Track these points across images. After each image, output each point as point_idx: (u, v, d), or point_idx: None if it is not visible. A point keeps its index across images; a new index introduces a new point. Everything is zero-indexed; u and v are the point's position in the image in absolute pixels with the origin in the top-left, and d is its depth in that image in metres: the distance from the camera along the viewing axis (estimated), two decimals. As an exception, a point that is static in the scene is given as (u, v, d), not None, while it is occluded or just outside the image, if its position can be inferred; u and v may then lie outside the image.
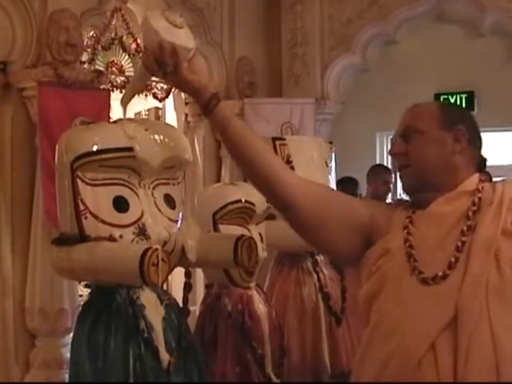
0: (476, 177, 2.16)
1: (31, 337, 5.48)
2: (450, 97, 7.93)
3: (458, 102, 7.89)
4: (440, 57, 7.83)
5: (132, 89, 2.61)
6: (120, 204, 2.50)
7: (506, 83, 7.25)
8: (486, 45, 7.74)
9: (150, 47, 2.15)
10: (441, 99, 7.90)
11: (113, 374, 2.42)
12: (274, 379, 3.17)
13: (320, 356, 3.60)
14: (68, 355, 5.60)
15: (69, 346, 5.60)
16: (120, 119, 2.56)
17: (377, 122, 8.13)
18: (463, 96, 7.91)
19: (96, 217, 2.45)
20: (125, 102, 2.46)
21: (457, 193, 2.13)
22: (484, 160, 2.23)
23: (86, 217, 2.43)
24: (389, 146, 8.51)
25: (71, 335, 5.67)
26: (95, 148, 2.45)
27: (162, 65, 2.13)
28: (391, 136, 8.62)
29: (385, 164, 7.96)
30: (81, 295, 7.16)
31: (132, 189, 2.53)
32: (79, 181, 2.44)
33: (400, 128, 2.21)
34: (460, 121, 2.18)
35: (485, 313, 1.95)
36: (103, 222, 2.45)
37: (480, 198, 2.10)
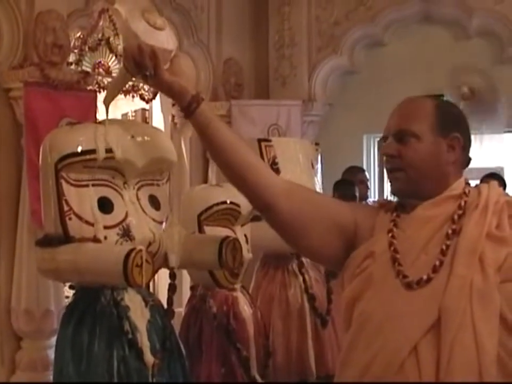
0: (462, 181, 2.16)
1: (17, 338, 5.47)
2: (437, 99, 7.94)
3: (445, 105, 7.91)
4: (427, 59, 7.85)
5: (113, 89, 2.60)
6: (105, 205, 2.50)
7: (494, 85, 7.28)
8: (474, 47, 7.76)
9: (129, 49, 2.11)
10: (429, 101, 7.93)
11: (97, 376, 2.42)
12: (259, 380, 3.17)
13: (306, 357, 3.60)
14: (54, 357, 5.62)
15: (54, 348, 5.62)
16: (104, 120, 2.56)
17: (364, 124, 8.14)
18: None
19: (80, 218, 2.44)
20: (107, 102, 2.45)
21: (444, 197, 2.13)
22: (469, 159, 2.23)
23: (70, 218, 2.43)
24: (376, 148, 8.54)
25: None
26: (79, 149, 2.44)
27: (141, 68, 2.13)
28: (378, 138, 8.67)
29: (372, 165, 8.00)
30: (67, 297, 7.16)
31: (116, 190, 2.53)
32: (63, 182, 2.43)
33: (393, 126, 2.17)
34: (456, 127, 2.16)
35: (469, 316, 1.95)
36: (87, 223, 2.44)
37: (465, 202, 2.10)
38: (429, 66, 7.81)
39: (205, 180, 7.35)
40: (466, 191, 2.13)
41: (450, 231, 2.05)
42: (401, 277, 2.03)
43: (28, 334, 5.54)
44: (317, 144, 4.69)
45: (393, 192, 2.21)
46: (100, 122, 2.61)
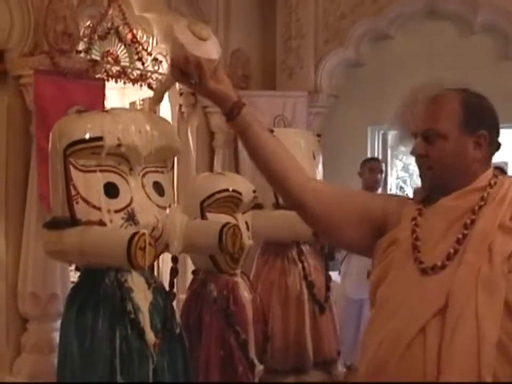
0: (489, 173, 2.24)
1: (23, 321, 5.53)
2: (442, 94, 7.98)
3: (449, 99, 7.95)
4: (432, 53, 7.89)
5: (159, 93, 2.73)
6: (111, 190, 2.59)
7: (498, 80, 7.32)
8: (478, 43, 7.80)
9: (176, 59, 2.28)
10: (433, 95, 7.96)
11: (100, 354, 2.51)
12: (257, 364, 3.25)
13: (303, 343, 3.66)
14: (60, 339, 5.71)
15: (60, 330, 5.71)
16: (112, 109, 2.65)
17: (369, 116, 8.20)
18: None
19: (87, 202, 2.53)
20: (154, 105, 2.57)
21: (468, 190, 2.22)
22: (499, 145, 2.30)
23: (77, 202, 2.52)
24: (380, 140, 8.62)
25: (63, 319, 5.78)
26: (87, 136, 2.53)
27: (187, 77, 2.27)
28: (382, 130, 8.73)
29: (375, 156, 8.06)
30: (73, 282, 7.25)
31: (122, 176, 2.62)
32: (71, 167, 2.52)
33: (421, 125, 2.27)
34: (482, 124, 2.23)
35: (473, 301, 2.03)
36: (94, 207, 2.53)
37: (488, 194, 2.18)
38: (433, 60, 7.86)
39: (211, 169, 7.42)
40: (492, 182, 2.21)
41: (468, 221, 2.14)
42: (418, 263, 2.15)
43: (34, 317, 5.60)
44: (318, 135, 4.77)
45: (424, 189, 2.30)
46: (107, 111, 2.70)
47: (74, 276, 7.96)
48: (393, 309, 2.15)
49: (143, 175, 2.69)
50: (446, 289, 2.08)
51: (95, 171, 2.56)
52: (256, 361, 3.24)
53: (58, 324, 5.70)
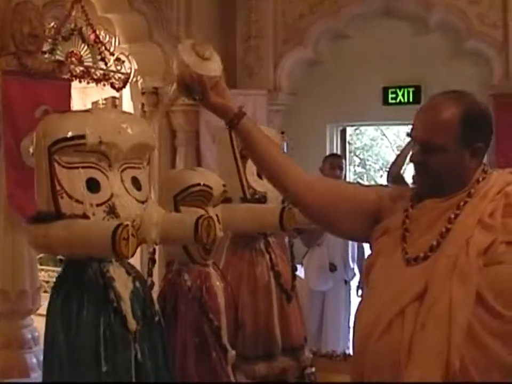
0: (478, 171, 2.37)
1: (-8, 318, 5.64)
2: (398, 91, 8.19)
3: (405, 96, 8.16)
4: (389, 52, 8.09)
5: (168, 105, 2.94)
6: (93, 186, 2.73)
7: (451, 77, 7.53)
8: (433, 41, 8.01)
9: (182, 77, 2.52)
10: (389, 92, 8.17)
11: (86, 341, 2.64)
12: (229, 350, 3.39)
13: (272, 329, 3.76)
14: (29, 335, 5.79)
15: (30, 328, 5.78)
16: (92, 108, 2.78)
17: (327, 114, 8.38)
18: (410, 90, 8.18)
19: (71, 197, 2.67)
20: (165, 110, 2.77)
21: (459, 194, 2.35)
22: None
23: (62, 197, 2.65)
24: (339, 137, 8.79)
25: (32, 316, 5.85)
26: (69, 134, 2.67)
27: (192, 92, 2.53)
28: (340, 127, 8.91)
29: (336, 152, 8.24)
30: (44, 280, 7.31)
31: (103, 172, 2.76)
32: (56, 164, 2.65)
33: (419, 134, 2.38)
34: (480, 137, 2.35)
35: (447, 291, 2.20)
36: (77, 201, 2.67)
37: (475, 189, 2.32)
38: (390, 59, 8.06)
39: (173, 166, 7.55)
40: (481, 178, 2.35)
41: (453, 216, 2.30)
42: (404, 253, 2.34)
43: (3, 314, 5.69)
44: (282, 132, 4.95)
45: (418, 191, 2.46)
46: (89, 111, 2.85)
47: (43, 275, 8.01)
48: (379, 293, 2.36)
49: (122, 171, 2.83)
50: (426, 278, 2.25)
51: (77, 167, 2.70)
52: (228, 347, 3.39)
53: (27, 320, 5.82)
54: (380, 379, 2.28)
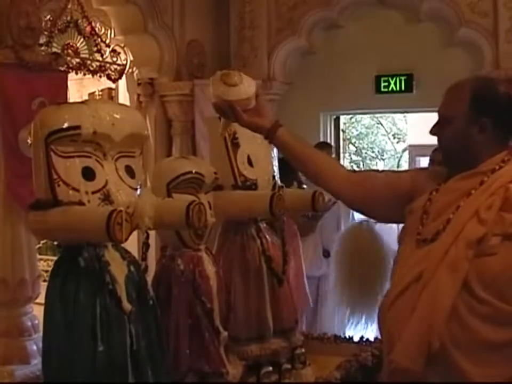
0: (498, 157, 2.46)
1: (-8, 306, 5.75)
2: (390, 79, 8.27)
3: (398, 84, 8.24)
4: (381, 41, 8.18)
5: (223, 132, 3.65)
6: (88, 174, 2.85)
7: (443, 66, 7.62)
8: (424, 30, 8.09)
9: (217, 106, 3.05)
10: (382, 81, 8.26)
11: (84, 322, 2.76)
12: (222, 331, 3.50)
13: (263, 312, 3.85)
14: (29, 323, 5.91)
15: (30, 315, 5.89)
16: (87, 100, 2.91)
17: (321, 103, 8.48)
18: (402, 78, 8.26)
19: (67, 185, 2.79)
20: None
21: (471, 173, 2.48)
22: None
23: (58, 185, 2.77)
24: (332, 126, 8.90)
25: (31, 304, 5.96)
26: (65, 125, 2.79)
27: (227, 116, 3.00)
28: (334, 116, 9.01)
29: (325, 141, 8.33)
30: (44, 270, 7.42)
31: (97, 161, 2.89)
32: (52, 154, 2.77)
33: (439, 110, 2.59)
34: (486, 112, 2.45)
35: (436, 277, 2.35)
36: (74, 189, 2.80)
37: (488, 179, 2.42)
38: (382, 47, 8.14)
39: (169, 154, 7.67)
40: (497, 167, 2.44)
41: (462, 203, 2.43)
42: (417, 234, 2.51)
43: (3, 302, 5.79)
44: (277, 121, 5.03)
45: (441, 164, 2.66)
46: (84, 102, 2.97)
47: (42, 265, 8.11)
48: (396, 269, 2.56)
49: (116, 160, 2.96)
50: (425, 262, 2.41)
51: (73, 157, 2.83)
52: (221, 328, 3.50)
53: (27, 308, 5.93)
54: (388, 347, 2.47)
